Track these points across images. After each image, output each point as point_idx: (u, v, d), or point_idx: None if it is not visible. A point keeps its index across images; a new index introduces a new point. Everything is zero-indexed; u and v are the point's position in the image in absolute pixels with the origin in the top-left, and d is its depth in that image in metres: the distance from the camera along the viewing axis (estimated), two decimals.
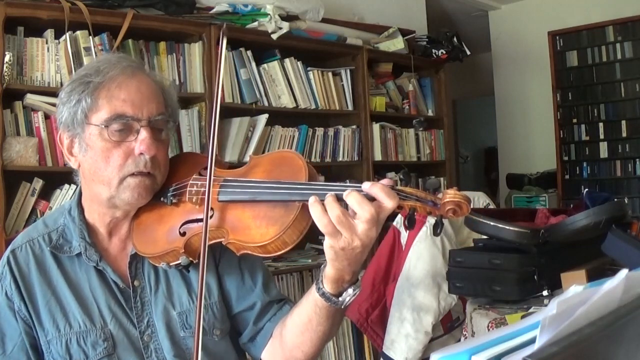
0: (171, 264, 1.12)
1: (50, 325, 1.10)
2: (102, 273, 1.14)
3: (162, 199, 1.15)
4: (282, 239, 1.00)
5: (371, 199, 0.93)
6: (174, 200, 1.14)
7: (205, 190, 1.08)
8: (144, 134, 1.09)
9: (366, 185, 0.94)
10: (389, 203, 0.92)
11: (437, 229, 0.95)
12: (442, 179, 4.28)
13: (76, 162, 1.15)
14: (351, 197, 0.93)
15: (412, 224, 0.95)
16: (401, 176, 0.95)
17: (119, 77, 1.10)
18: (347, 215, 0.93)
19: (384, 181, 0.96)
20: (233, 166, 1.19)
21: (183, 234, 1.10)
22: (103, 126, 1.08)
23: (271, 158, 1.14)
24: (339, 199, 0.94)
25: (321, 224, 0.93)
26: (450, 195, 0.92)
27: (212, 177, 1.06)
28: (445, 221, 1.64)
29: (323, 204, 0.93)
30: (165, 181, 1.16)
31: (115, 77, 1.10)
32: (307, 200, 0.97)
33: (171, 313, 1.16)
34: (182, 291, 1.17)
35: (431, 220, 2.22)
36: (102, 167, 1.10)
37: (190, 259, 1.10)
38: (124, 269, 1.16)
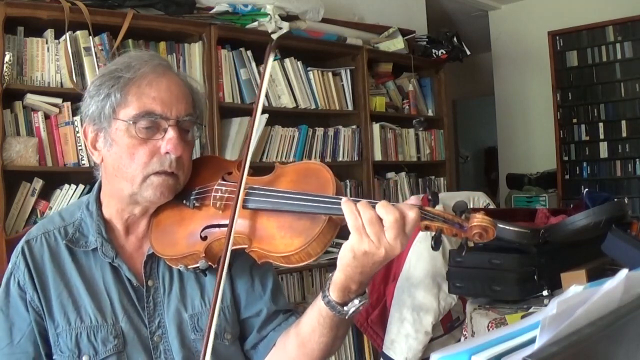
0: (189, 266, 1.11)
1: (61, 318, 1.10)
2: (117, 270, 1.14)
3: (184, 201, 1.14)
4: (306, 250, 1.00)
5: None
6: (196, 204, 1.13)
7: (229, 196, 1.08)
8: (171, 133, 1.08)
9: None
10: (411, 216, 0.93)
11: (462, 251, 0.96)
12: (441, 178, 4.29)
13: (99, 157, 1.14)
14: (379, 205, 0.94)
15: (438, 245, 0.95)
16: (430, 197, 0.95)
17: (150, 75, 1.09)
18: (379, 220, 0.93)
19: (411, 199, 0.97)
20: (256, 172, 1.18)
21: (204, 238, 1.09)
22: (131, 122, 1.07)
23: (298, 168, 1.12)
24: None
25: (351, 219, 0.94)
26: (478, 219, 0.93)
27: (238, 183, 1.05)
28: None
29: (355, 204, 0.94)
30: (187, 183, 1.16)
31: (146, 75, 1.09)
32: (334, 214, 0.98)
33: (183, 315, 1.15)
34: (195, 294, 1.17)
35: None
36: (127, 164, 1.09)
37: (210, 263, 1.10)
38: (139, 267, 1.16)
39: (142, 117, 1.07)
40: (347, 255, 0.96)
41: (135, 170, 1.09)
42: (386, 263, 0.98)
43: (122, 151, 1.09)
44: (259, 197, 1.06)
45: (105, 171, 1.15)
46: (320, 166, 1.09)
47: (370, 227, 0.93)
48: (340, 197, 0.99)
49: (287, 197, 1.03)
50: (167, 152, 1.09)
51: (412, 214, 0.93)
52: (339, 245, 0.98)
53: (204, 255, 1.08)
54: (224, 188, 1.11)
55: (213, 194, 1.11)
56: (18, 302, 1.11)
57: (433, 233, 0.95)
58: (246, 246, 1.05)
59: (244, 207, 1.06)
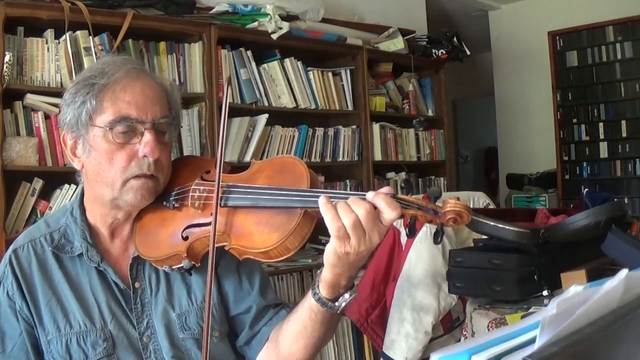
0: (173, 267, 1.13)
1: (51, 325, 1.11)
2: (103, 274, 1.15)
3: (164, 202, 1.15)
4: (284, 245, 1.01)
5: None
6: (176, 205, 1.15)
7: (207, 195, 1.10)
8: (148, 136, 1.10)
9: (370, 195, 0.95)
10: (390, 214, 0.94)
11: (437, 237, 0.97)
12: (441, 178, 4.29)
13: (79, 163, 1.15)
14: (351, 202, 0.94)
15: (413, 232, 0.97)
16: (403, 184, 0.98)
17: (123, 80, 1.11)
18: (360, 223, 0.94)
19: (385, 189, 0.97)
20: (235, 168, 1.20)
21: (185, 238, 1.11)
22: (107, 128, 1.09)
23: (273, 164, 1.14)
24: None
25: (333, 227, 0.94)
26: (451, 204, 0.94)
27: (216, 183, 1.07)
28: None
29: (335, 207, 0.94)
30: (167, 184, 1.17)
31: (120, 80, 1.10)
32: (309, 207, 0.99)
33: (170, 315, 1.16)
34: (182, 293, 1.18)
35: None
36: (106, 169, 1.10)
37: (193, 262, 1.11)
38: (125, 270, 1.17)
39: (118, 123, 1.09)
40: (331, 257, 0.97)
41: (115, 175, 1.10)
42: (368, 255, 0.99)
43: (100, 157, 1.10)
44: (236, 195, 1.08)
45: (86, 177, 1.17)
46: (294, 160, 1.11)
47: (354, 231, 0.93)
48: (315, 190, 1.01)
49: (262, 193, 1.05)
50: (144, 155, 1.10)
51: (391, 215, 0.94)
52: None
53: (186, 255, 1.10)
54: (201, 187, 1.13)
55: (191, 194, 1.13)
56: (8, 312, 1.12)
57: (408, 220, 0.96)
58: (226, 244, 1.07)
59: (222, 205, 1.08)
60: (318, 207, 0.96)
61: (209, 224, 1.06)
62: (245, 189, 1.08)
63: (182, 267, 1.12)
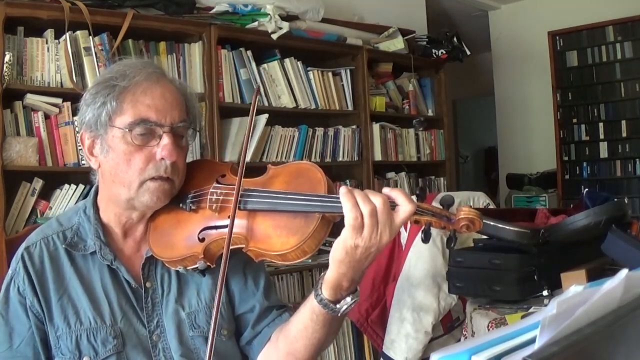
0: (188, 267, 1.14)
1: (61, 321, 1.12)
2: (115, 272, 1.17)
3: (180, 204, 1.17)
4: (301, 248, 1.03)
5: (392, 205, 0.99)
6: (193, 207, 1.16)
7: (225, 199, 1.12)
8: (166, 139, 1.12)
9: (386, 190, 1.00)
10: (407, 206, 0.97)
11: (450, 243, 1.00)
12: (441, 178, 4.29)
13: (96, 163, 1.17)
14: (367, 192, 0.98)
15: (428, 238, 1.00)
16: (417, 192, 1.01)
17: (144, 83, 1.13)
18: (377, 212, 0.96)
19: None
20: (249, 172, 1.21)
21: (202, 240, 1.13)
22: (126, 130, 1.11)
23: (290, 169, 1.16)
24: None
25: (351, 215, 0.96)
26: (464, 212, 0.99)
27: (236, 187, 1.09)
28: None
29: (354, 197, 0.97)
30: (182, 186, 1.19)
31: (141, 83, 1.13)
32: (327, 212, 1.02)
33: (181, 314, 1.18)
34: (192, 293, 1.20)
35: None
36: (124, 170, 1.12)
37: (208, 263, 1.13)
38: (137, 269, 1.19)
39: (137, 125, 1.11)
40: (338, 251, 0.99)
41: (132, 176, 1.12)
42: (374, 257, 1.01)
43: (118, 157, 1.12)
44: (254, 199, 1.10)
45: (102, 177, 1.18)
46: (311, 166, 1.12)
47: (370, 219, 0.96)
48: (333, 196, 1.03)
49: (281, 197, 1.07)
50: (162, 158, 1.12)
51: (407, 207, 0.97)
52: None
53: (202, 256, 1.12)
54: (219, 191, 1.15)
55: (209, 196, 1.14)
56: (18, 308, 1.13)
57: (423, 227, 1.00)
58: (243, 246, 1.09)
59: (240, 208, 1.10)
60: (335, 212, 0.99)
61: (226, 226, 1.07)
62: (263, 193, 1.10)
63: (197, 268, 1.14)
